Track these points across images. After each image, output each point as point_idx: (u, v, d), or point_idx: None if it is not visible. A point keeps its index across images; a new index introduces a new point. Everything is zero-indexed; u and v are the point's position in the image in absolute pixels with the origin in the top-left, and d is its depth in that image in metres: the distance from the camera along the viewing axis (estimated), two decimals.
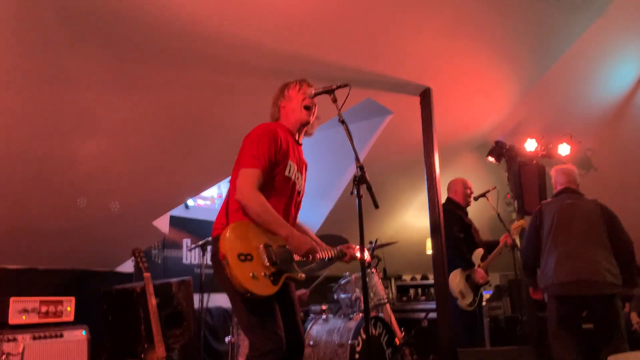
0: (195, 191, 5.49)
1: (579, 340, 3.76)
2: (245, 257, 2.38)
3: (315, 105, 2.74)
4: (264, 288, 2.39)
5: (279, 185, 2.60)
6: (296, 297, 2.72)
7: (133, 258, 4.13)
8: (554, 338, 3.88)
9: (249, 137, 2.59)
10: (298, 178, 2.71)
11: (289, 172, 2.63)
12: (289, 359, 2.50)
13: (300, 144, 2.82)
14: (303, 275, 2.61)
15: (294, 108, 2.72)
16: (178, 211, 5.70)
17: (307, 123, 2.76)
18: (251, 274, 2.35)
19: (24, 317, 3.84)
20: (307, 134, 2.83)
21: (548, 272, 3.86)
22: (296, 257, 2.60)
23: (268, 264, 2.43)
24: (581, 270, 3.72)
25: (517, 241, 4.92)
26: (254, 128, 2.62)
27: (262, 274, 2.40)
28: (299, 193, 2.74)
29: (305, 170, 2.88)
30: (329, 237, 4.25)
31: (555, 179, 4.21)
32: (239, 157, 2.57)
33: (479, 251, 4.79)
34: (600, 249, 3.79)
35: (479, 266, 4.72)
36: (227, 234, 2.39)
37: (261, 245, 2.45)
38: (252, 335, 2.43)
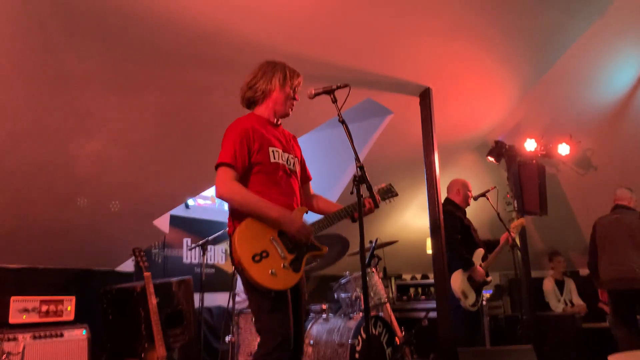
0: (196, 191, 5.50)
1: (631, 327, 4.87)
2: (261, 256, 2.38)
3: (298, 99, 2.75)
4: (286, 280, 2.41)
5: (271, 174, 2.58)
6: (304, 292, 2.69)
7: (133, 257, 4.14)
8: (613, 326, 5.08)
9: (225, 133, 2.57)
10: (288, 158, 2.67)
11: (275, 158, 2.59)
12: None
13: (279, 124, 2.77)
14: (325, 248, 2.61)
15: (282, 101, 2.69)
16: (178, 211, 5.70)
17: (287, 115, 2.75)
18: (270, 272, 2.36)
19: (24, 316, 3.85)
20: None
21: (601, 272, 5.02)
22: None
23: (285, 253, 2.44)
24: (620, 270, 4.82)
25: (517, 240, 4.93)
26: (230, 124, 2.61)
27: (281, 266, 2.41)
28: (291, 171, 2.68)
29: (295, 142, 2.85)
30: (329, 237, 4.27)
31: (614, 197, 5.32)
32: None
33: (480, 251, 4.80)
34: (638, 253, 4.83)
35: (480, 266, 4.73)
36: (237, 239, 2.38)
37: (275, 236, 2.45)
38: (261, 332, 2.43)
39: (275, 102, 2.70)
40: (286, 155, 2.67)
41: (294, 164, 2.72)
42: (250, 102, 2.75)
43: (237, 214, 2.51)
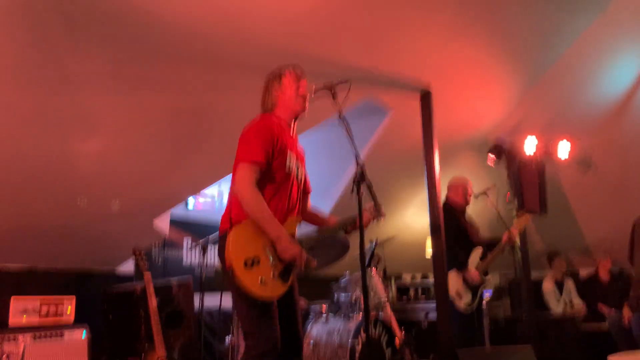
0: (196, 190, 5.50)
1: None
2: (252, 262, 2.36)
3: (309, 94, 2.72)
4: (274, 290, 2.40)
5: (282, 178, 2.57)
6: (299, 298, 2.69)
7: (133, 258, 4.14)
8: None
9: (246, 130, 2.56)
10: (299, 167, 2.69)
11: (290, 163, 2.60)
12: (287, 357, 2.49)
13: (294, 133, 2.78)
14: (315, 263, 2.59)
15: (291, 97, 2.69)
16: (178, 211, 5.70)
17: (303, 111, 2.74)
18: (259, 280, 2.34)
19: (24, 317, 3.85)
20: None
21: (634, 270, 5.17)
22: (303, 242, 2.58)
23: (276, 262, 2.43)
24: None
25: (517, 240, 4.92)
26: (252, 121, 2.60)
27: (271, 275, 2.39)
28: (300, 180, 2.71)
29: (303, 156, 2.86)
30: (329, 238, 4.25)
31: None
32: (237, 149, 2.53)
33: (478, 250, 4.78)
34: None
35: (478, 264, 4.72)
36: (231, 241, 2.37)
37: (268, 244, 2.44)
38: (248, 337, 2.42)
39: (286, 105, 2.71)
40: (298, 163, 2.69)
41: (302, 173, 2.74)
42: (268, 108, 2.75)
43: (236, 212, 2.49)
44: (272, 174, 2.55)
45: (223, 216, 2.57)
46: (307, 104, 2.73)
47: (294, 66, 2.76)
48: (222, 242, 2.46)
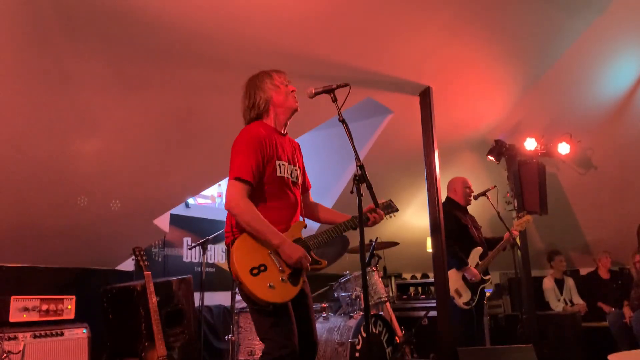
0: (196, 190, 5.50)
1: None
2: (259, 270, 2.37)
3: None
4: (285, 294, 2.39)
5: (275, 187, 2.57)
6: (310, 296, 2.68)
7: (133, 256, 4.14)
8: None
9: (235, 144, 2.55)
10: (292, 171, 2.67)
11: (281, 172, 2.59)
12: (302, 358, 2.49)
13: (286, 134, 2.76)
14: (325, 262, 2.59)
15: (285, 99, 2.67)
16: (178, 210, 5.70)
17: (296, 110, 2.72)
18: (268, 285, 2.34)
19: (24, 315, 3.85)
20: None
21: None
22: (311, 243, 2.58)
23: (283, 267, 2.43)
24: None
25: (518, 239, 4.93)
26: (239, 134, 2.58)
27: (280, 279, 2.39)
28: (294, 184, 2.68)
29: (299, 152, 2.84)
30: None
31: None
32: (230, 163, 2.52)
33: (478, 249, 4.79)
34: None
35: (477, 264, 4.73)
36: (235, 252, 2.38)
37: (272, 249, 2.44)
38: (265, 341, 2.42)
39: (279, 104, 2.68)
40: (291, 167, 2.67)
41: (297, 176, 2.72)
42: (256, 120, 2.72)
43: (237, 225, 2.50)
44: (267, 185, 2.54)
45: (225, 228, 2.57)
46: (297, 103, 2.72)
47: (278, 71, 2.73)
48: (228, 254, 2.47)
